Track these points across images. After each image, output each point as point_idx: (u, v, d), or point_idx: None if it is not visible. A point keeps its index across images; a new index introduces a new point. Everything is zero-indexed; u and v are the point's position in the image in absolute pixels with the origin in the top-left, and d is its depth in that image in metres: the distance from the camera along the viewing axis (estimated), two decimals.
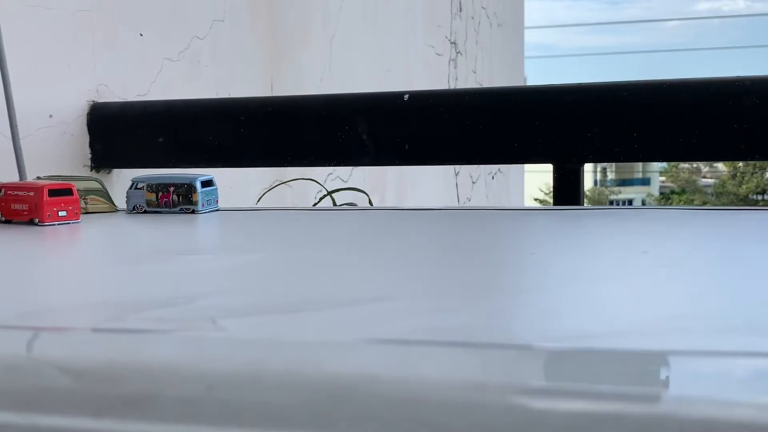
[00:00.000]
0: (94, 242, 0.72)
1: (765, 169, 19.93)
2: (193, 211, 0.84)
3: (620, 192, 23.05)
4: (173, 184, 0.85)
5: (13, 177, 1.01)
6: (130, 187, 0.87)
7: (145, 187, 0.86)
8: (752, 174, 20.33)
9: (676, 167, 21.89)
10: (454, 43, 3.08)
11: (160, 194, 0.85)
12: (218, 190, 0.88)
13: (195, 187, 0.84)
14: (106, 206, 0.88)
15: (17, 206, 0.76)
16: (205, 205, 0.85)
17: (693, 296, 0.41)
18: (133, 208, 0.86)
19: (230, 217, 0.84)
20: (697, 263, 0.52)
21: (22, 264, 0.58)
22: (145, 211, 0.86)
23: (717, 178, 22.00)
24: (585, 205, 1.24)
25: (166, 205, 0.85)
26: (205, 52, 1.49)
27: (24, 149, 1.05)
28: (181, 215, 0.83)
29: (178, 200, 0.85)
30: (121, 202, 0.90)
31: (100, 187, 0.88)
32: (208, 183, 0.86)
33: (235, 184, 1.53)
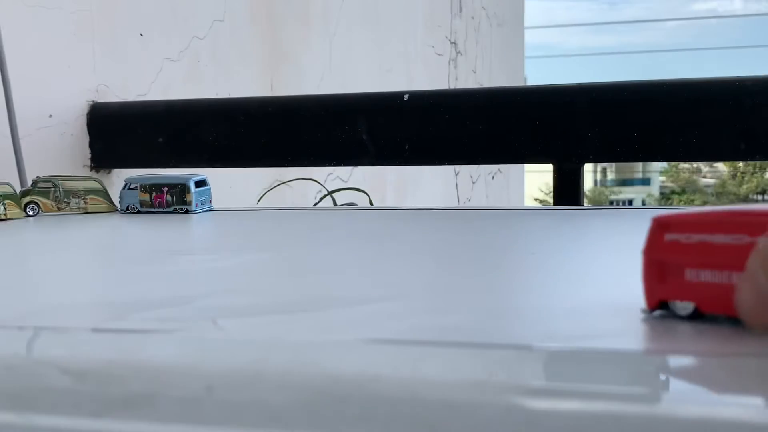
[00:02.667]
0: (91, 242, 0.72)
1: (765, 169, 19.93)
2: (187, 211, 0.84)
3: (620, 192, 23.05)
4: (167, 184, 0.85)
5: (12, 177, 1.01)
6: (124, 187, 0.87)
7: (138, 187, 0.86)
8: (752, 174, 20.33)
9: (676, 167, 21.89)
10: (454, 43, 3.08)
11: (154, 194, 0.85)
12: (218, 190, 0.88)
13: (189, 187, 0.84)
14: (105, 206, 0.88)
15: None
16: (199, 205, 0.85)
17: None
18: (127, 208, 0.86)
19: (226, 217, 0.84)
20: None
21: (18, 262, 0.58)
22: (138, 211, 0.86)
23: (717, 178, 22.01)
24: (585, 205, 1.24)
25: (160, 205, 0.85)
26: (205, 52, 1.49)
27: (24, 149, 1.05)
28: (175, 215, 0.84)
29: (172, 200, 0.85)
30: None
31: (100, 187, 0.88)
32: (201, 183, 0.86)
33: (235, 184, 1.53)
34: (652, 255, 0.32)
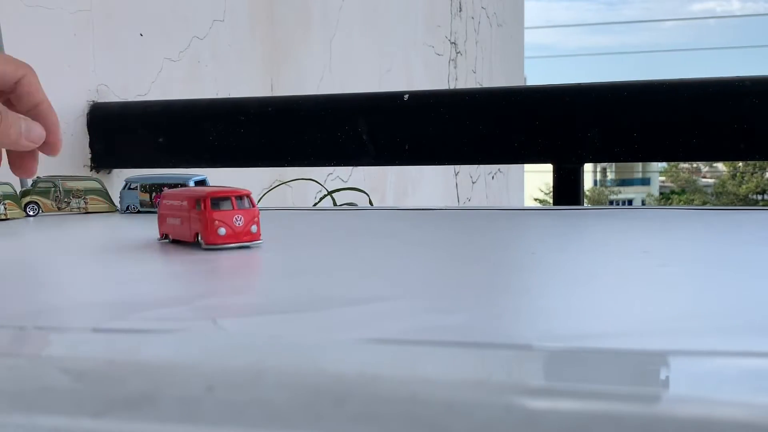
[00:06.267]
0: (90, 242, 0.72)
1: (765, 169, 19.93)
2: None
3: (620, 192, 23.05)
4: (167, 184, 0.85)
5: (12, 177, 1.01)
6: (124, 187, 0.87)
7: (138, 187, 0.86)
8: (752, 174, 20.33)
9: (676, 167, 21.90)
10: (454, 43, 3.09)
11: (154, 194, 0.85)
12: None
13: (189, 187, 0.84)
14: (105, 206, 0.88)
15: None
16: None
17: (693, 296, 0.41)
18: (127, 208, 0.86)
19: None
20: (697, 263, 0.52)
21: (18, 262, 0.58)
22: (138, 211, 0.86)
23: (717, 178, 22.00)
24: (585, 205, 1.24)
25: None
26: (205, 52, 1.49)
27: None
28: None
29: None
30: None
31: (100, 187, 0.88)
32: (201, 183, 0.86)
33: (235, 184, 1.53)
34: (162, 212, 0.64)
